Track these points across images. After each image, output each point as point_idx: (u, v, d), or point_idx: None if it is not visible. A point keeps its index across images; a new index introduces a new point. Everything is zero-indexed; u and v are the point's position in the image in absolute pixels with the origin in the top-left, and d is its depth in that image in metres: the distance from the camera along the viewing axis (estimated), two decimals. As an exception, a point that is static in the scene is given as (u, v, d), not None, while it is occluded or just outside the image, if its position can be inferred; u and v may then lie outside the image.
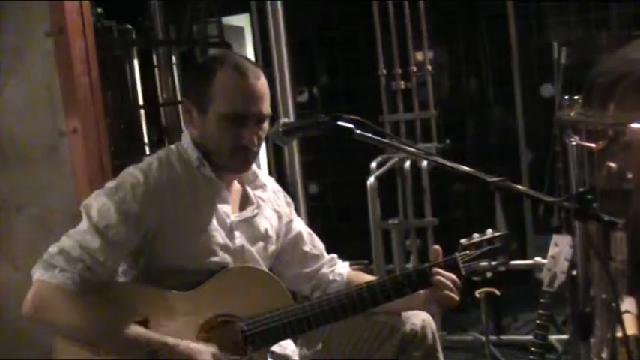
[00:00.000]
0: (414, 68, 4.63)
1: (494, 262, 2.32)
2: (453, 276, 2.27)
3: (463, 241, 2.33)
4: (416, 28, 4.60)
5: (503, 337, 4.47)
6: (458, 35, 5.34)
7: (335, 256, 2.63)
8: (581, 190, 2.03)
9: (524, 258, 4.48)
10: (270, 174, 5.19)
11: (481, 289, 3.75)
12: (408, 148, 2.03)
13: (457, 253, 2.31)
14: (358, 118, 2.06)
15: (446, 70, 5.43)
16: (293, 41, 4.19)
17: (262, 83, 2.28)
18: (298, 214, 2.70)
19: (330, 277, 2.55)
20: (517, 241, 5.02)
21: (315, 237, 2.61)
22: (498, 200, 4.02)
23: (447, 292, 2.26)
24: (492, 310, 4.31)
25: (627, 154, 2.70)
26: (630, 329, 2.80)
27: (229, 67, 2.25)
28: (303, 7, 5.15)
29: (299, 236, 2.56)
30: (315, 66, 5.67)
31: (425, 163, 4.35)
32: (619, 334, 2.78)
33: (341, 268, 2.58)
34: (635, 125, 2.63)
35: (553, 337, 4.11)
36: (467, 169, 1.93)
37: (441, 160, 1.94)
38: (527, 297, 4.13)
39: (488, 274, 2.34)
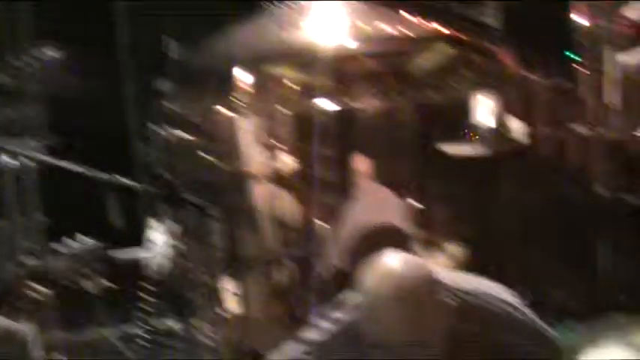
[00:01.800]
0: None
1: None
2: None
3: None
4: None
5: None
6: (73, 32, 5.25)
7: None
8: (168, 176, 2.13)
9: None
10: None
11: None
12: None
13: None
14: None
15: (57, 65, 5.31)
16: None
17: None
18: None
19: None
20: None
21: None
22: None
23: None
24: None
25: (217, 144, 2.88)
26: (231, 305, 3.03)
27: None
28: None
29: None
30: None
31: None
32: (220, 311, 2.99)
33: None
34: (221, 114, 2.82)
35: (170, 322, 4.24)
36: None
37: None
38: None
39: None
